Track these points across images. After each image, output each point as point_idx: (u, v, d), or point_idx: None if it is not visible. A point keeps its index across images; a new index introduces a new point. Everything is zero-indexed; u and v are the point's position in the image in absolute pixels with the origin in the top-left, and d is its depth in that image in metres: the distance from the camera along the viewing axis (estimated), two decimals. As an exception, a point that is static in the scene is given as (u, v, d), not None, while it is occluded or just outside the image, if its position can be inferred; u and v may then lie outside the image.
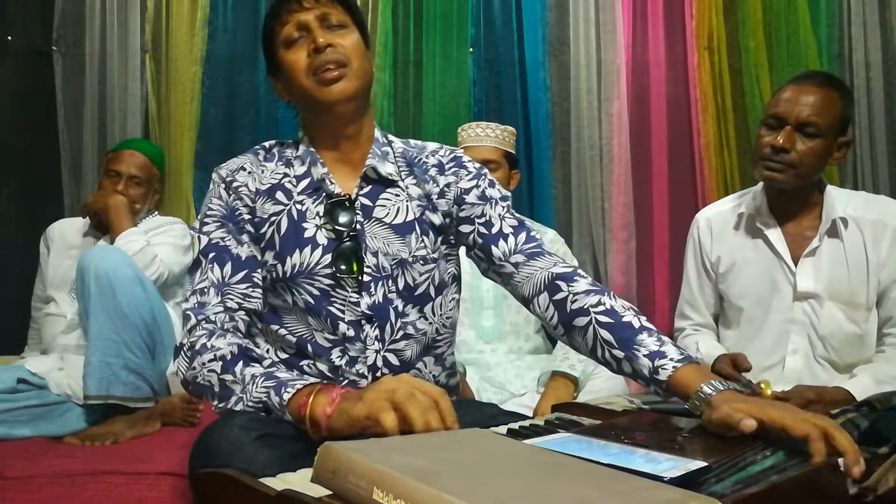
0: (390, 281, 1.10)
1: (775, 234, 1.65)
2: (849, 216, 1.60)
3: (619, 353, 0.99)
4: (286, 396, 0.87)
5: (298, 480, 0.66)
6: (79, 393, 1.76)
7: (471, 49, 2.56)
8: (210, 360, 0.96)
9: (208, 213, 1.12)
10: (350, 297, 1.08)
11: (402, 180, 1.16)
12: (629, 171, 2.52)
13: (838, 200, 1.62)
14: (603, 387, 1.84)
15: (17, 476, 1.39)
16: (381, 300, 1.09)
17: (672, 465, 0.65)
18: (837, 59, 2.49)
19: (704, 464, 0.66)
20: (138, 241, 1.96)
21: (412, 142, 1.25)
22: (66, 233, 2.15)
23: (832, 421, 0.79)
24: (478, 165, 1.23)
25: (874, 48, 2.44)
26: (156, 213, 2.25)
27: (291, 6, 1.11)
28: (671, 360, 0.94)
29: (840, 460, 0.76)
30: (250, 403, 0.91)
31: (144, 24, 2.53)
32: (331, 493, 0.56)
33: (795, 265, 1.62)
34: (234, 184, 1.11)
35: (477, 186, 1.18)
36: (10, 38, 2.56)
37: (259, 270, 1.10)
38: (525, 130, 2.52)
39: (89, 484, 1.36)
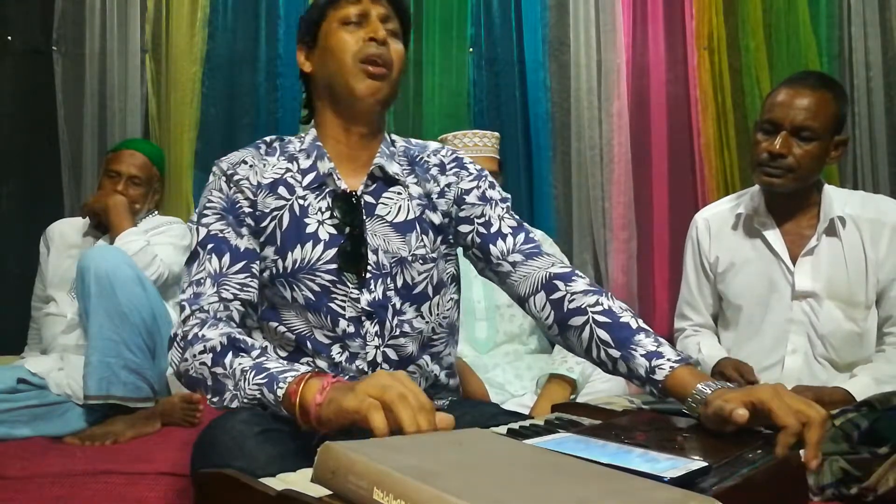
0: (389, 279, 1.10)
1: (773, 234, 1.65)
2: (847, 215, 1.61)
3: (616, 353, 0.99)
4: (279, 392, 0.85)
5: (299, 480, 0.66)
6: (79, 393, 1.76)
7: (471, 49, 2.56)
8: (200, 352, 0.95)
9: (207, 204, 1.11)
10: (351, 293, 1.08)
11: (405, 179, 1.17)
12: (629, 170, 2.52)
13: (836, 200, 1.62)
14: (602, 388, 1.84)
15: (17, 476, 1.39)
16: (380, 297, 1.09)
17: (672, 466, 0.65)
18: (837, 59, 2.49)
19: (705, 464, 0.66)
20: (138, 241, 1.96)
21: (413, 140, 1.26)
22: (66, 233, 2.15)
23: (823, 412, 0.78)
24: (479, 167, 1.23)
25: (874, 48, 2.45)
26: (156, 212, 2.25)
27: None
28: (668, 360, 0.94)
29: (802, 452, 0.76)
30: (245, 401, 0.90)
31: (144, 24, 2.53)
32: (331, 493, 0.56)
33: (794, 265, 1.62)
34: (236, 177, 1.11)
35: (478, 187, 1.19)
36: (10, 38, 2.56)
37: (257, 263, 1.10)
38: (525, 130, 2.52)
39: (89, 484, 1.36)
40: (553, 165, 2.56)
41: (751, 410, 0.79)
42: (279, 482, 0.65)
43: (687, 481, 0.62)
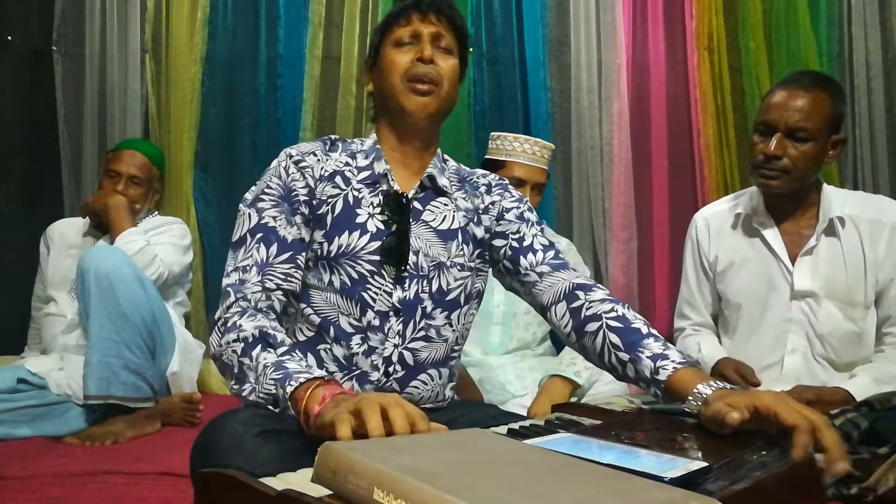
0: (425, 281, 1.14)
1: (772, 234, 1.65)
2: (846, 215, 1.61)
3: (625, 356, 1.02)
4: (289, 390, 0.88)
5: (299, 480, 0.66)
6: (79, 393, 1.76)
7: (471, 49, 2.56)
8: (234, 340, 0.98)
9: (266, 189, 1.14)
10: (385, 286, 1.12)
11: (453, 193, 1.23)
12: (630, 170, 2.51)
13: (835, 199, 1.63)
14: (603, 389, 1.84)
15: (17, 476, 1.39)
16: (411, 297, 1.13)
17: (672, 465, 0.65)
18: (837, 59, 2.49)
19: (705, 464, 0.66)
20: (138, 241, 1.96)
21: (463, 167, 1.33)
22: (66, 233, 2.15)
23: (825, 417, 0.79)
24: (520, 193, 1.31)
25: (874, 48, 2.44)
26: (156, 212, 2.25)
27: (416, 14, 1.17)
28: (672, 361, 0.96)
29: (820, 456, 0.76)
30: (261, 395, 0.92)
31: (144, 24, 2.53)
32: (331, 493, 0.56)
33: (793, 264, 1.62)
34: (302, 163, 1.15)
35: (517, 208, 1.26)
36: (10, 38, 2.56)
37: (303, 254, 1.13)
38: (525, 130, 2.51)
39: (89, 484, 1.36)
40: (553, 165, 2.55)
41: (754, 415, 0.80)
42: (279, 482, 0.65)
43: (687, 481, 0.62)
